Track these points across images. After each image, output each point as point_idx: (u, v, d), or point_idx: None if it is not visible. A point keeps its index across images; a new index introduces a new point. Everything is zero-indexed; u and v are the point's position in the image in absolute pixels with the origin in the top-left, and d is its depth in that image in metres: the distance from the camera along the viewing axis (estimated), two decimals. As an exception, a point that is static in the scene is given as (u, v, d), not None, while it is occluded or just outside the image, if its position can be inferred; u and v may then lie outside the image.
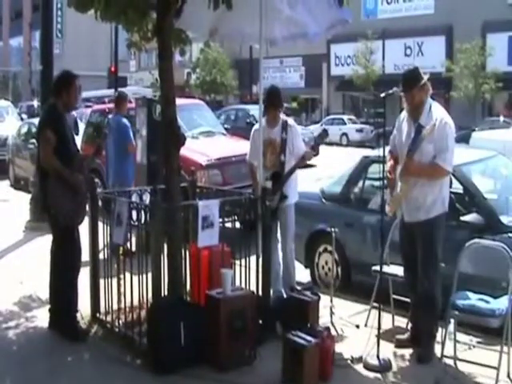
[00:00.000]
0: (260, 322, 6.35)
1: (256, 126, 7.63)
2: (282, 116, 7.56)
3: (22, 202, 14.38)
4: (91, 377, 5.77)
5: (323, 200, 8.71)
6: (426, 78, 6.14)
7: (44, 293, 7.20)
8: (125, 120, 10.50)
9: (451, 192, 6.41)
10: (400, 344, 6.32)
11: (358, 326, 6.89)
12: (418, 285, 6.24)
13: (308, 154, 7.39)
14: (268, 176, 7.24)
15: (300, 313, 6.29)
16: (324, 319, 6.76)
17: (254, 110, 27.09)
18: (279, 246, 7.51)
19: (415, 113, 6.10)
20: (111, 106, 12.22)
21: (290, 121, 7.59)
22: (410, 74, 6.21)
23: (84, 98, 34.90)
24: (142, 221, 6.24)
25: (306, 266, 8.75)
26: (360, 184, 8.41)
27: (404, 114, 6.32)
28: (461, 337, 6.08)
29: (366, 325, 6.88)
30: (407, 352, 6.20)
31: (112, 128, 10.35)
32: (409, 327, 6.55)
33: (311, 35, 7.40)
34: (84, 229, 6.86)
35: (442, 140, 5.93)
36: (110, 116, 10.97)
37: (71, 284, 6.65)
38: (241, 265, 6.61)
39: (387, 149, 6.29)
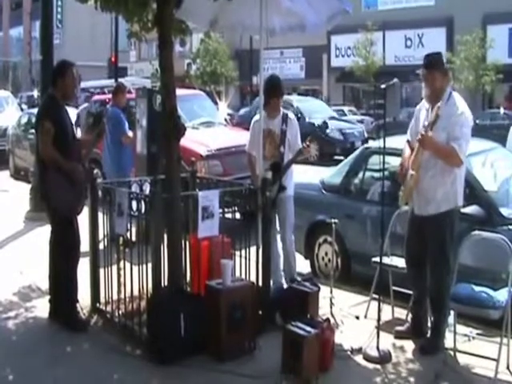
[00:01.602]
0: (260, 312, 6.36)
1: (256, 117, 7.62)
2: (282, 109, 7.56)
3: (21, 192, 14.38)
4: (91, 367, 5.77)
5: (323, 191, 8.70)
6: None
7: (44, 283, 7.21)
8: (119, 112, 10.47)
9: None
10: (399, 335, 6.33)
11: (357, 317, 6.90)
12: (420, 279, 6.23)
13: (305, 150, 7.36)
14: (267, 166, 7.24)
15: (300, 304, 6.29)
16: (324, 310, 6.77)
17: (299, 101, 26.58)
18: (278, 237, 7.51)
19: (433, 97, 6.00)
20: (111, 96, 12.20)
21: (290, 114, 7.61)
22: (436, 55, 6.16)
23: (83, 87, 34.81)
24: (142, 211, 6.23)
25: (305, 257, 8.75)
26: (360, 175, 8.39)
27: (421, 104, 6.26)
28: (460, 328, 6.10)
29: (365, 316, 6.89)
30: (407, 343, 6.20)
31: (108, 119, 10.34)
32: (408, 318, 6.55)
33: (310, 27, 7.40)
34: (84, 219, 6.87)
35: (456, 128, 5.83)
36: (107, 107, 10.95)
37: (70, 274, 6.64)
38: (241, 255, 6.61)
39: (387, 140, 6.25)
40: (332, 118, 26.33)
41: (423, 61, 6.11)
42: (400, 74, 6.28)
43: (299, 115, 23.93)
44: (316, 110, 25.60)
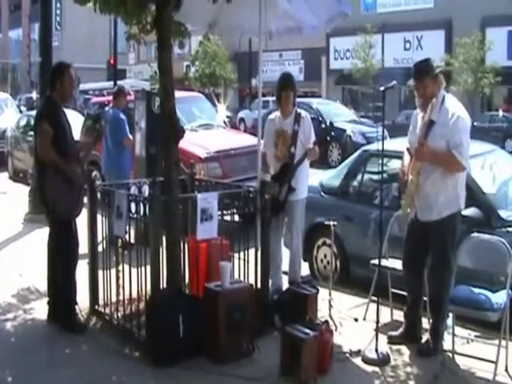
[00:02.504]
0: (259, 314, 6.35)
1: (271, 116, 7.58)
2: (296, 108, 7.40)
3: (20, 194, 14.39)
4: (90, 369, 5.76)
5: (322, 193, 8.70)
6: (437, 70, 6.03)
7: (43, 285, 7.20)
8: (121, 114, 10.49)
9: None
10: (392, 340, 6.30)
11: (356, 320, 6.90)
12: (416, 284, 6.23)
13: (312, 152, 7.21)
14: (278, 167, 7.23)
15: (299, 306, 6.30)
16: (322, 312, 6.77)
17: (320, 103, 25.94)
18: (283, 240, 7.46)
19: (426, 105, 5.95)
20: (110, 98, 12.22)
21: (304, 113, 7.44)
22: (423, 63, 6.04)
23: (82, 90, 34.84)
24: (141, 213, 6.23)
25: (304, 259, 8.73)
26: (359, 177, 8.39)
27: (418, 111, 6.18)
28: (459, 331, 6.10)
29: (364, 318, 6.89)
30: (405, 346, 6.20)
31: (108, 121, 10.36)
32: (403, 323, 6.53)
33: (308, 29, 7.40)
34: (82, 221, 6.87)
35: (455, 135, 5.76)
36: (107, 109, 10.96)
37: (69, 276, 6.64)
38: (239, 258, 6.62)
39: (386, 142, 6.24)
40: (353, 121, 25.57)
41: (412, 72, 6.03)
42: (399, 77, 6.26)
43: (320, 118, 23.54)
44: (337, 113, 24.99)
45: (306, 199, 7.40)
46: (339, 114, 25.37)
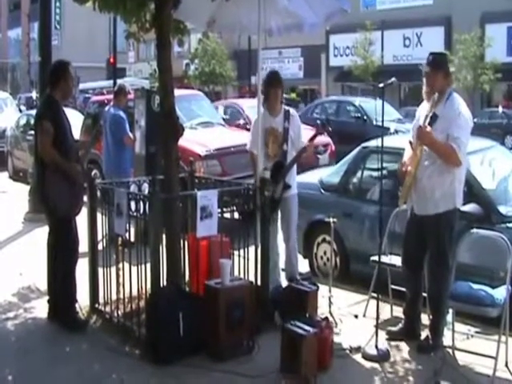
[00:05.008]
0: (258, 311, 6.36)
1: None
2: (284, 106, 7.46)
3: (20, 194, 14.39)
4: (90, 367, 5.78)
5: (322, 190, 8.70)
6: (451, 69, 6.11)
7: (43, 284, 7.21)
8: (121, 112, 10.48)
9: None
10: (392, 336, 6.31)
11: (356, 316, 6.91)
12: (415, 281, 6.24)
13: (309, 149, 7.26)
14: (270, 166, 7.20)
15: (299, 303, 6.29)
16: (322, 309, 6.77)
17: (363, 101, 24.75)
18: (279, 236, 7.46)
19: (430, 96, 6.01)
20: (110, 97, 12.22)
21: (292, 111, 7.46)
22: (442, 56, 6.16)
23: (82, 89, 34.84)
24: (141, 211, 6.24)
25: (304, 256, 8.75)
26: (358, 174, 8.40)
27: (423, 104, 6.23)
28: (459, 326, 6.11)
29: (364, 315, 6.90)
30: (405, 342, 6.20)
31: (108, 119, 10.36)
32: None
33: (307, 27, 7.40)
34: (82, 219, 6.87)
35: (455, 129, 5.78)
36: (106, 108, 10.95)
37: (69, 275, 6.65)
38: (239, 255, 6.62)
39: (386, 139, 6.24)
40: (397, 120, 23.78)
41: (427, 58, 6.09)
42: (398, 74, 6.24)
43: (365, 117, 22.92)
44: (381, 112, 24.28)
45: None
46: (385, 113, 24.60)
